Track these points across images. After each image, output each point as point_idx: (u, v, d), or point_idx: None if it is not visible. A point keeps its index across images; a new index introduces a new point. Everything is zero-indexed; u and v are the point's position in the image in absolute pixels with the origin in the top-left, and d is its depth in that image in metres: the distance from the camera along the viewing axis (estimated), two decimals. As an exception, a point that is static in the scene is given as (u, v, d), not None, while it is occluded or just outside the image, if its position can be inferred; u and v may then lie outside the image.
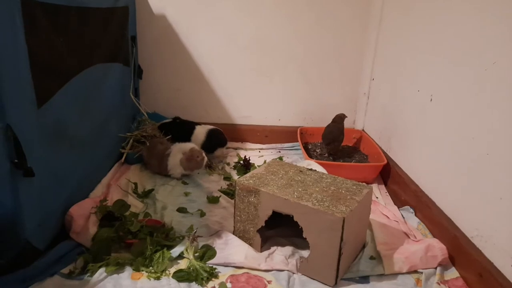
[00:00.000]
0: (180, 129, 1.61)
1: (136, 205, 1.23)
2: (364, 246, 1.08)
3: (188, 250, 0.99)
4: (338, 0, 1.70)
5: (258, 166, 1.55)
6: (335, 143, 1.64)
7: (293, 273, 0.97)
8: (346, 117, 1.63)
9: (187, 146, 1.43)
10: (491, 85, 0.93)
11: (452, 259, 1.03)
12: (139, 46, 1.70)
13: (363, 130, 1.85)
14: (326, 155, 1.69)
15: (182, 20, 1.70)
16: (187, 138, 1.57)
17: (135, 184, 1.33)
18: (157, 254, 0.97)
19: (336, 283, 0.94)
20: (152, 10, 1.67)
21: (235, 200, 1.05)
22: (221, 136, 1.63)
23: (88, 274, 0.92)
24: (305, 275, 0.97)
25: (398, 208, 1.31)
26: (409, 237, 1.12)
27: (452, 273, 1.00)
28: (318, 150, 1.74)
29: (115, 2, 1.36)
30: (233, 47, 1.76)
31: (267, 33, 1.74)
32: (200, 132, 1.61)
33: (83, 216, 1.06)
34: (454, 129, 1.09)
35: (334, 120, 1.65)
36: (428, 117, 1.23)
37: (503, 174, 0.88)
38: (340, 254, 0.91)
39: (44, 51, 0.90)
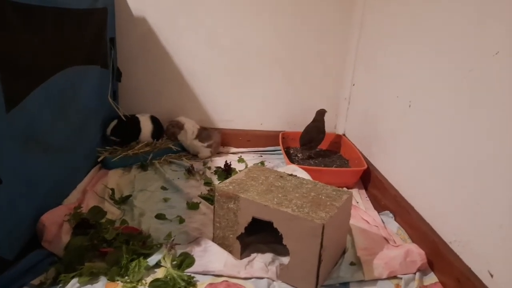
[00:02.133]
0: (129, 125, 1.60)
1: (112, 211, 1.19)
2: (344, 252, 1.07)
3: (165, 258, 0.97)
4: (320, 5, 1.71)
5: (239, 171, 1.54)
6: (312, 144, 1.65)
7: (273, 280, 0.96)
8: (326, 111, 1.64)
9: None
10: (468, 92, 0.94)
11: (431, 264, 1.03)
12: (119, 48, 1.66)
13: (344, 134, 1.86)
14: (306, 157, 1.69)
15: (163, 22, 1.67)
16: (137, 132, 1.63)
17: (112, 190, 1.30)
18: (133, 263, 0.94)
19: (316, 290, 0.93)
20: (132, 12, 1.64)
21: (214, 207, 1.03)
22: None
23: (60, 285, 0.88)
24: (285, 282, 0.95)
25: (378, 213, 1.32)
26: (388, 242, 1.12)
27: (431, 278, 1.00)
28: (299, 155, 1.74)
29: (93, 3, 1.33)
30: (215, 50, 1.74)
31: (250, 36, 1.74)
32: (146, 121, 1.66)
33: (56, 224, 1.02)
34: (432, 135, 1.10)
35: (314, 119, 1.66)
36: (407, 123, 1.25)
37: (480, 180, 0.89)
38: (320, 261, 0.90)
39: (14, 52, 0.86)
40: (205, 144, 1.69)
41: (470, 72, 0.93)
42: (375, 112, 1.52)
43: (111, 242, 1.00)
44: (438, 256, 1.01)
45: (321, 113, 1.65)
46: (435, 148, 1.08)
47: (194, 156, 1.71)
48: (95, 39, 1.37)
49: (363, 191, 1.51)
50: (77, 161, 1.27)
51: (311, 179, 1.27)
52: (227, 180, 1.06)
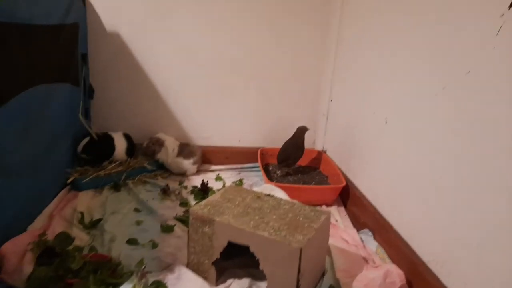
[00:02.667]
0: (103, 143, 1.54)
1: (81, 237, 1.13)
2: (323, 274, 1.05)
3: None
4: (298, 20, 1.71)
5: (217, 190, 1.50)
6: (289, 161, 1.63)
7: (250, 307, 0.92)
8: (308, 129, 1.63)
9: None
10: (442, 110, 0.95)
11: (410, 284, 1.02)
12: (91, 65, 1.61)
13: (323, 150, 1.85)
14: (284, 174, 1.67)
15: (137, 37, 1.64)
16: (111, 150, 1.56)
17: (82, 213, 1.23)
18: (101, 294, 0.89)
19: (294, 316, 0.89)
20: (105, 27, 1.60)
21: (188, 231, 0.99)
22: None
23: (21, 321, 0.82)
24: (262, 309, 0.92)
25: (358, 230, 1.30)
26: (368, 263, 1.10)
27: (411, 299, 0.99)
28: (278, 172, 1.71)
29: (63, 19, 1.28)
30: (191, 65, 1.71)
31: (226, 52, 1.72)
32: (119, 139, 1.60)
33: (17, 253, 0.95)
34: (408, 152, 1.10)
35: (293, 135, 1.64)
36: (384, 139, 1.25)
37: (454, 199, 0.89)
38: (298, 286, 0.87)
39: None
40: (191, 161, 1.65)
41: (444, 90, 0.94)
42: (353, 128, 1.52)
43: (78, 272, 0.94)
44: (417, 276, 0.99)
45: (301, 130, 1.64)
46: (411, 166, 1.08)
47: (171, 174, 1.67)
48: (65, 56, 1.32)
49: (342, 208, 1.49)
50: (43, 184, 1.21)
51: (288, 198, 1.24)
52: (202, 202, 1.02)
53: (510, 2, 0.71)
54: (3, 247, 0.93)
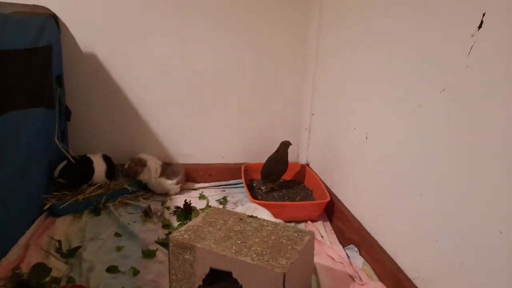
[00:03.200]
0: (81, 166, 1.50)
1: (58, 268, 1.09)
2: (309, 295, 1.03)
3: (116, 321, 0.88)
4: (277, 34, 1.71)
5: (200, 209, 1.47)
6: (273, 177, 1.63)
7: (235, 335, 0.89)
8: (291, 144, 1.62)
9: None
10: (418, 127, 0.95)
11: (397, 302, 1.01)
12: (67, 86, 1.58)
13: (307, 164, 1.84)
14: (269, 190, 1.66)
15: (114, 56, 1.61)
16: (90, 173, 1.52)
17: (59, 241, 1.19)
18: (79, 330, 0.85)
19: None
20: (80, 48, 1.57)
21: (169, 258, 0.96)
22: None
23: None
24: (247, 336, 0.89)
25: (343, 246, 1.29)
26: (354, 280, 1.09)
27: (398, 317, 0.98)
28: (263, 188, 1.70)
29: (35, 42, 1.26)
30: (169, 83, 1.69)
31: (205, 68, 1.70)
32: (98, 161, 1.56)
33: (-11, 290, 0.91)
34: (388, 168, 1.10)
35: (277, 149, 1.64)
36: (364, 154, 1.25)
37: (436, 215, 0.89)
38: (283, 311, 0.85)
39: None
40: (174, 181, 1.63)
41: (420, 107, 0.95)
42: (334, 143, 1.52)
43: (54, 306, 0.90)
44: (403, 293, 0.98)
45: (285, 145, 1.63)
46: (392, 181, 1.08)
47: (153, 195, 1.63)
48: (38, 79, 1.29)
49: (328, 223, 1.48)
50: (17, 212, 1.16)
51: (272, 218, 1.23)
52: (183, 228, 1.00)
53: (479, 23, 0.72)
54: (-27, 285, 0.89)
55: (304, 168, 1.80)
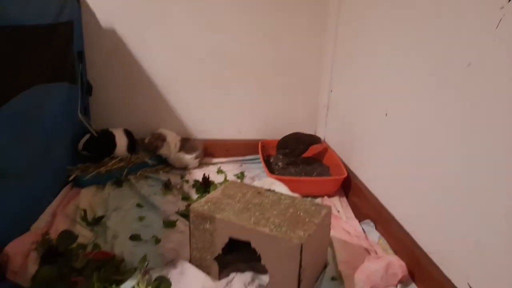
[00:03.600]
0: (103, 140, 1.54)
1: (84, 235, 1.14)
2: (325, 266, 1.05)
3: (140, 284, 0.92)
4: (295, 11, 1.69)
5: (218, 183, 1.50)
6: (286, 151, 1.65)
7: (253, 302, 0.93)
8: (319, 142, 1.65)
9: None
10: (443, 103, 0.94)
11: (412, 275, 1.02)
12: (88, 62, 1.60)
13: (324, 141, 1.84)
14: (285, 165, 1.68)
15: (133, 33, 1.62)
16: (112, 146, 1.56)
17: (84, 210, 1.24)
18: (105, 292, 0.90)
19: (297, 310, 0.90)
20: (101, 24, 1.58)
21: (190, 228, 0.99)
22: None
23: (27, 320, 0.84)
24: (265, 303, 0.93)
25: (359, 221, 1.30)
26: (370, 254, 1.11)
27: (412, 290, 1.00)
28: (280, 163, 1.71)
29: (57, 18, 1.27)
30: (188, 60, 1.70)
31: (224, 45, 1.70)
32: (120, 135, 1.60)
33: (21, 253, 0.96)
34: (409, 145, 1.09)
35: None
36: (384, 131, 1.24)
37: (456, 192, 0.88)
38: (299, 281, 0.87)
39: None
40: (193, 156, 1.66)
41: (444, 82, 0.93)
42: (353, 120, 1.51)
43: (82, 270, 0.95)
44: (419, 267, 1.00)
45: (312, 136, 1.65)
46: (412, 158, 1.07)
47: (172, 168, 1.67)
48: (60, 54, 1.31)
49: (344, 199, 1.49)
50: (45, 183, 1.21)
51: (289, 192, 1.24)
52: (203, 200, 1.03)
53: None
54: (8, 248, 0.94)
55: (321, 146, 1.80)
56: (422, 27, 1.03)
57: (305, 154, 1.72)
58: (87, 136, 1.49)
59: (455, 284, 0.88)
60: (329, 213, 1.01)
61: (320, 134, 1.86)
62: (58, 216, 1.19)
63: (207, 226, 0.96)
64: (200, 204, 0.99)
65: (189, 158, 1.65)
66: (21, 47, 1.02)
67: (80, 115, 1.46)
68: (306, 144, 1.65)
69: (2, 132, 0.93)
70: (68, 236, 1.08)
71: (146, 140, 1.64)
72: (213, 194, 1.06)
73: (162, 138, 1.63)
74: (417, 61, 1.05)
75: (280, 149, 1.66)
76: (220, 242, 0.95)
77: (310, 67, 1.78)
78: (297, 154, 1.66)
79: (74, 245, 1.07)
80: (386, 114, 1.21)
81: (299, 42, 1.74)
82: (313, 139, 1.67)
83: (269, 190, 1.11)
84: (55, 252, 0.99)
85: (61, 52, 1.32)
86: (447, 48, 0.92)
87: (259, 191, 1.09)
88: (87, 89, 1.61)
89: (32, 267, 0.95)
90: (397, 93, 1.16)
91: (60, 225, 1.15)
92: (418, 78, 1.04)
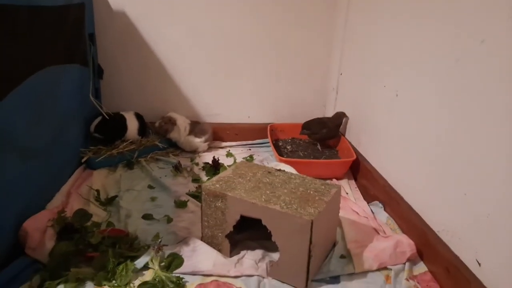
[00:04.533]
0: (115, 123, 1.56)
1: (98, 214, 1.17)
2: (334, 245, 1.07)
3: (153, 260, 0.95)
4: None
5: (228, 166, 1.52)
6: (309, 131, 1.67)
7: (263, 277, 0.95)
8: (344, 116, 1.62)
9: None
10: (455, 82, 0.93)
11: (421, 254, 1.04)
12: (99, 45, 1.61)
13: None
14: (294, 149, 1.69)
15: (144, 16, 1.62)
16: (123, 129, 1.58)
17: (97, 191, 1.27)
18: (120, 267, 0.92)
19: (306, 285, 0.92)
20: (111, 7, 1.58)
21: (201, 206, 1.01)
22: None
23: (46, 293, 0.87)
24: (275, 279, 0.95)
25: (368, 203, 1.32)
26: (378, 233, 1.12)
27: (421, 268, 1.01)
28: (288, 147, 1.72)
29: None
30: (198, 44, 1.70)
31: (232, 28, 1.70)
32: (131, 118, 1.61)
33: (39, 230, 0.99)
34: (419, 125, 1.09)
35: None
36: (394, 112, 1.24)
37: (466, 170, 0.89)
38: (309, 257, 0.89)
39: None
40: (202, 139, 1.67)
41: (457, 62, 0.92)
42: (363, 102, 1.50)
43: (97, 246, 0.98)
44: (427, 245, 1.01)
45: (338, 115, 1.64)
46: (422, 138, 1.08)
47: (182, 152, 1.69)
48: (72, 36, 1.32)
49: (353, 182, 1.50)
50: (58, 163, 1.24)
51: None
52: (214, 178, 1.04)
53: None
54: (26, 224, 0.97)
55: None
56: (434, 5, 1.02)
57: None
58: (99, 119, 1.51)
59: (464, 261, 0.89)
60: (338, 192, 1.02)
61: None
62: (73, 196, 1.22)
63: (219, 204, 0.98)
64: (211, 182, 1.01)
65: (198, 141, 1.67)
66: (35, 28, 1.03)
67: (92, 97, 1.48)
68: (331, 129, 1.64)
69: (19, 112, 0.95)
70: (83, 214, 1.11)
71: (157, 124, 1.66)
72: (225, 173, 1.08)
73: (172, 122, 1.64)
74: (429, 37, 1.04)
75: (303, 128, 1.69)
76: (232, 220, 0.97)
77: (320, 50, 1.77)
78: (318, 138, 1.67)
79: (89, 223, 1.10)
80: (397, 95, 1.21)
81: (309, 25, 1.73)
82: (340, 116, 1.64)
83: (279, 170, 1.12)
84: (71, 229, 1.02)
85: (73, 34, 1.33)
86: (460, 24, 0.91)
87: (269, 171, 1.10)
88: (98, 72, 1.62)
89: (49, 243, 0.98)
90: (408, 73, 1.15)
91: (75, 204, 1.18)
92: (430, 56, 1.04)
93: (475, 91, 0.86)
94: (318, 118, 1.70)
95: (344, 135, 1.68)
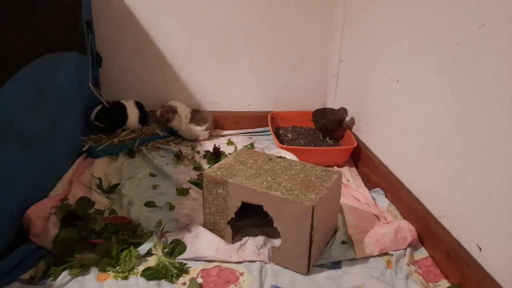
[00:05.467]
0: (115, 112, 1.56)
1: (101, 201, 1.17)
2: (336, 231, 1.08)
3: (156, 247, 0.96)
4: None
5: (229, 154, 1.52)
6: (313, 120, 1.65)
7: (265, 263, 0.96)
8: (344, 114, 1.55)
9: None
10: (455, 66, 0.93)
11: (421, 239, 1.04)
12: (97, 32, 1.60)
13: (332, 112, 1.84)
14: (295, 136, 1.68)
15: (141, 3, 1.61)
16: (123, 118, 1.58)
17: (99, 179, 1.27)
18: (124, 253, 0.93)
19: (308, 270, 0.93)
20: (108, -7, 1.57)
21: (203, 192, 1.02)
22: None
23: (51, 278, 0.88)
24: (277, 264, 0.96)
25: (369, 190, 1.32)
26: (379, 220, 1.13)
27: (421, 253, 1.02)
28: (289, 135, 1.72)
29: (66, -15, 1.26)
30: (196, 31, 1.69)
31: (232, 16, 1.68)
32: (131, 107, 1.61)
33: (42, 217, 1.00)
34: (420, 110, 1.09)
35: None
36: (395, 98, 1.23)
37: (467, 156, 0.89)
38: (311, 242, 0.90)
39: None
40: (203, 127, 1.67)
41: (457, 46, 0.92)
42: (363, 89, 1.50)
43: (100, 233, 0.99)
44: (428, 231, 1.01)
45: (342, 111, 1.57)
46: (422, 124, 1.07)
47: (183, 140, 1.69)
48: (69, 24, 1.31)
49: (354, 169, 1.51)
50: (59, 151, 1.24)
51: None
52: (215, 166, 1.05)
53: None
54: (29, 212, 0.98)
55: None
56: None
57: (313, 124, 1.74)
58: (99, 107, 1.50)
59: (464, 245, 0.90)
60: (339, 178, 1.03)
61: (329, 105, 1.85)
62: (75, 184, 1.23)
63: (220, 190, 0.98)
64: (213, 169, 1.01)
65: (199, 129, 1.67)
66: (32, 15, 1.02)
67: (91, 85, 1.47)
68: (330, 122, 1.60)
69: (17, 99, 0.95)
70: (85, 201, 1.11)
71: (158, 113, 1.65)
72: (226, 160, 1.08)
73: (173, 110, 1.64)
74: (429, 21, 1.03)
75: (312, 116, 1.66)
76: (233, 206, 0.98)
77: (319, 37, 1.76)
78: (318, 127, 1.65)
79: (92, 210, 1.10)
80: (397, 81, 1.20)
81: (308, 12, 1.71)
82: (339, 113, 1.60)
83: (280, 157, 1.12)
84: (74, 216, 1.03)
85: (70, 21, 1.31)
86: (460, 8, 0.90)
87: (270, 158, 1.11)
88: (97, 60, 1.61)
89: (53, 230, 0.98)
90: (409, 57, 1.14)
91: (77, 192, 1.19)
92: (431, 40, 1.03)
93: (476, 75, 0.85)
94: (324, 108, 1.68)
95: (345, 122, 1.68)
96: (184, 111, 1.66)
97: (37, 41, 1.06)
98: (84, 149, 1.43)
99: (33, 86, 1.03)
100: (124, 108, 1.58)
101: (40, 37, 1.07)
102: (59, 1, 1.20)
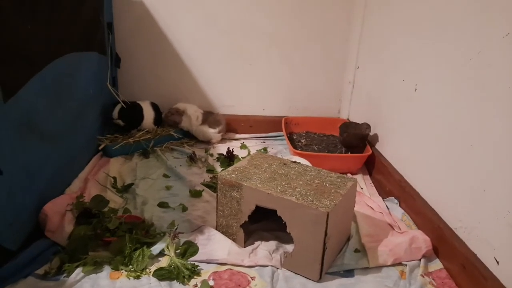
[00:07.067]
0: (133, 112, 1.58)
1: (115, 200, 1.19)
2: (348, 239, 1.07)
3: (169, 247, 0.96)
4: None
5: (242, 157, 1.52)
6: (343, 135, 1.57)
7: (277, 268, 0.96)
8: (367, 131, 1.48)
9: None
10: (476, 75, 0.92)
11: (436, 250, 1.03)
12: (116, 34, 1.63)
13: (348, 119, 1.83)
14: (309, 142, 1.68)
15: (160, 5, 1.63)
16: (140, 118, 1.60)
17: (114, 178, 1.29)
18: (137, 252, 0.94)
19: (320, 277, 0.92)
20: (129, -4, 1.60)
21: (217, 195, 1.02)
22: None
23: (65, 275, 0.89)
24: (289, 270, 0.95)
25: (383, 198, 1.31)
26: (393, 229, 1.11)
27: (436, 265, 1.00)
28: (303, 140, 1.72)
29: (88, -13, 1.29)
30: (213, 33, 1.70)
31: (249, 19, 1.69)
32: (147, 107, 1.63)
33: (58, 213, 1.01)
34: (438, 119, 1.08)
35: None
36: (412, 106, 1.22)
37: (486, 166, 0.87)
38: (324, 249, 0.89)
39: (8, 40, 0.84)
40: (216, 130, 1.68)
41: (478, 55, 0.90)
42: (380, 96, 1.49)
43: (114, 231, 1.00)
44: (443, 242, 1.00)
45: (364, 127, 1.50)
46: (441, 133, 1.06)
47: (197, 142, 1.70)
48: (91, 24, 1.34)
49: (368, 177, 1.49)
50: (76, 149, 1.26)
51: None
52: (230, 168, 1.05)
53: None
54: (46, 208, 0.99)
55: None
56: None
57: (329, 131, 1.72)
58: (119, 106, 1.53)
59: (481, 258, 0.88)
60: (354, 185, 1.02)
61: (344, 112, 1.85)
62: (90, 182, 1.24)
63: (234, 193, 0.98)
64: (227, 172, 1.02)
65: (212, 132, 1.68)
66: (56, 14, 1.04)
67: (109, 86, 1.49)
68: (350, 136, 1.53)
69: (40, 96, 0.97)
70: (100, 200, 1.13)
71: (163, 115, 1.66)
72: (240, 163, 1.08)
73: (179, 113, 1.64)
74: (450, 30, 1.02)
75: (341, 127, 1.59)
76: (247, 210, 0.98)
77: (337, 43, 1.75)
78: (340, 140, 1.60)
79: (106, 209, 1.12)
80: (416, 89, 1.19)
81: (326, 17, 1.71)
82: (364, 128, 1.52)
83: (294, 162, 1.12)
84: (89, 213, 1.04)
85: (92, 22, 1.34)
86: (483, 17, 0.89)
87: (284, 163, 1.10)
88: (116, 61, 1.63)
89: (68, 227, 1.00)
90: (428, 66, 1.13)
91: (92, 190, 1.20)
92: (452, 49, 1.02)
93: (497, 85, 0.84)
94: (349, 122, 1.62)
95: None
96: (194, 112, 1.66)
97: (62, 40, 1.09)
98: (100, 148, 1.45)
99: (55, 83, 1.05)
100: (140, 109, 1.60)
101: (64, 36, 1.10)
102: (83, 3, 1.23)
